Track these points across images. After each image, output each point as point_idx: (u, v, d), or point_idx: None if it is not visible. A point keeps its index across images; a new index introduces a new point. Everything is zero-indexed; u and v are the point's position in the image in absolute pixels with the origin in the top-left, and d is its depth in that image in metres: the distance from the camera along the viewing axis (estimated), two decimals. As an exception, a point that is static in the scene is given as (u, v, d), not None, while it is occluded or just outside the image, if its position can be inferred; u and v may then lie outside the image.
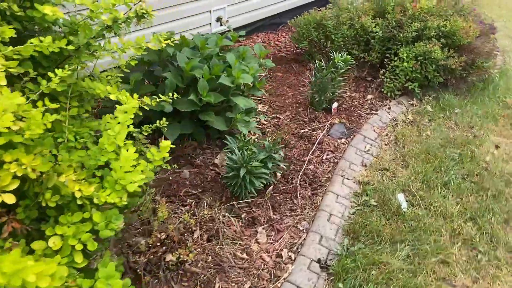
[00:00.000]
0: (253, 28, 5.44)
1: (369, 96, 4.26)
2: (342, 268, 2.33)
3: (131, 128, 1.73)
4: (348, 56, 3.82)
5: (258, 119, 3.64)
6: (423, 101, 4.24)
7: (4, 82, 1.42)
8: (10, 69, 1.48)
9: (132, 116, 1.69)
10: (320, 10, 4.77)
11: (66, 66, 1.55)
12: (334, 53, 3.84)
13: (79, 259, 1.55)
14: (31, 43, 1.52)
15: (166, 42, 1.87)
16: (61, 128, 1.74)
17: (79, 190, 1.56)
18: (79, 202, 1.60)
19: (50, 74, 1.53)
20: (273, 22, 5.76)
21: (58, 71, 1.49)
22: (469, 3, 4.75)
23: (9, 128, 1.32)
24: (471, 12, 4.61)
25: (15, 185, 1.35)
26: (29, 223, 1.62)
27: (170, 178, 2.89)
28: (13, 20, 1.62)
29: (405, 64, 4.09)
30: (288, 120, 3.76)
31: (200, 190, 2.82)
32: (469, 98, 4.35)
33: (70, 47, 1.64)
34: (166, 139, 2.18)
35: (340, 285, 2.25)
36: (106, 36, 1.73)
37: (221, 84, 2.96)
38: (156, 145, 1.92)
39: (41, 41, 1.54)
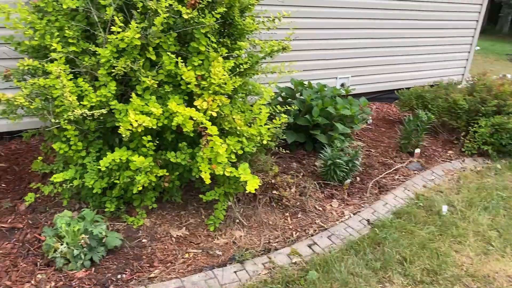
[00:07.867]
0: (371, 97, 6.99)
1: (450, 152, 5.37)
2: (381, 224, 3.57)
3: (268, 109, 3.40)
4: (432, 116, 5.09)
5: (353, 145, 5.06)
6: (497, 162, 5.18)
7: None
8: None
9: (269, 100, 3.39)
10: (423, 87, 6.14)
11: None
12: (419, 110, 5.16)
13: (233, 157, 3.20)
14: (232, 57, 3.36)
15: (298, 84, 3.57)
16: (235, 102, 3.50)
17: (239, 127, 3.25)
18: (237, 132, 3.28)
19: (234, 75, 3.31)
20: (390, 96, 7.23)
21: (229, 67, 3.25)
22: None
23: (219, 85, 3.08)
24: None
25: (217, 109, 3.08)
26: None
27: (284, 165, 4.46)
28: (225, 47, 3.47)
29: (482, 129, 5.16)
30: (378, 154, 5.10)
31: (301, 174, 4.32)
32: (543, 168, 5.14)
33: (246, 65, 3.42)
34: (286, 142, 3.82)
35: (376, 230, 3.49)
36: (266, 59, 3.49)
37: (328, 113, 4.55)
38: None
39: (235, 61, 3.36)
